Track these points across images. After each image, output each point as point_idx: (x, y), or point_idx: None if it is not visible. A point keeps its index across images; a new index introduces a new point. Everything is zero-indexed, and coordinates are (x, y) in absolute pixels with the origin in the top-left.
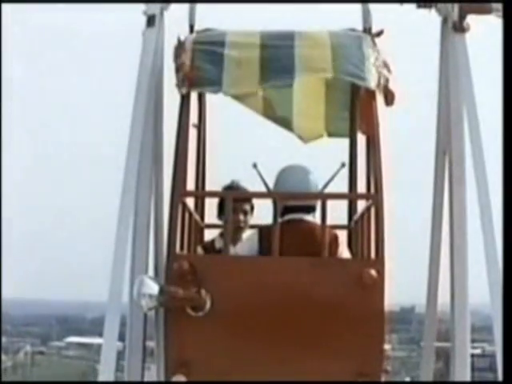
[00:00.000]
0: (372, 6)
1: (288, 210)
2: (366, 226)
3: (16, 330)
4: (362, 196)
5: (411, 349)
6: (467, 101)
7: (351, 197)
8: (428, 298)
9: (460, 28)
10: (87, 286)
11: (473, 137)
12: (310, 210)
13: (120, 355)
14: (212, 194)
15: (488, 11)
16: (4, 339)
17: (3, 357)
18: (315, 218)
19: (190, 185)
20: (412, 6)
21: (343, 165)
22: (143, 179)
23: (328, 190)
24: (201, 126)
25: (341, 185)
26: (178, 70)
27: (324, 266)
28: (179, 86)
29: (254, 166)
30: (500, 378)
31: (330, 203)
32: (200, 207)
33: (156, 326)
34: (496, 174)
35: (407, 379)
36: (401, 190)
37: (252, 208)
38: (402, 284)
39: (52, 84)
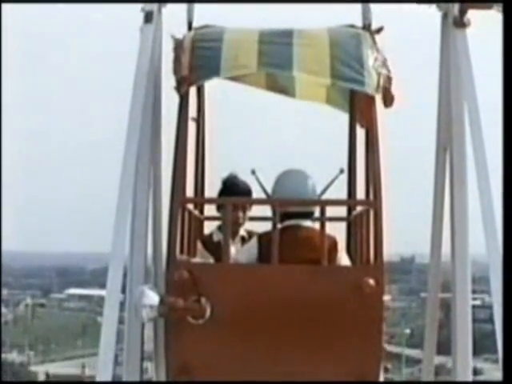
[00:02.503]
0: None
1: (286, 215)
2: (364, 229)
3: (16, 282)
4: (360, 202)
5: (411, 299)
6: (468, 97)
7: (350, 203)
8: (432, 249)
9: (461, 23)
10: (87, 237)
11: (474, 133)
12: (309, 215)
13: (121, 306)
14: (212, 201)
15: (489, 6)
16: (4, 292)
17: (4, 310)
18: (314, 222)
19: (190, 181)
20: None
21: (342, 171)
22: (141, 178)
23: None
24: (200, 121)
25: (340, 186)
26: (176, 71)
27: (323, 274)
28: (178, 86)
29: (253, 172)
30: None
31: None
32: (200, 189)
33: (155, 333)
34: (497, 170)
35: (407, 330)
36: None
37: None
38: (402, 234)
39: (49, 81)
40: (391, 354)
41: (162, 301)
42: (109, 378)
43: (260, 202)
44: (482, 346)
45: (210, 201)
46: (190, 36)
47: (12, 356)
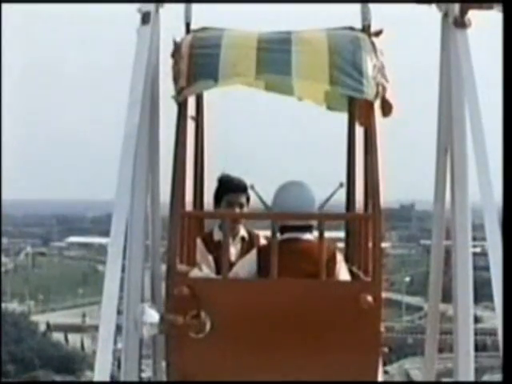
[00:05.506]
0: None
1: (286, 228)
2: (363, 239)
3: (17, 230)
4: (359, 217)
5: (411, 246)
6: (469, 97)
7: (348, 217)
8: (435, 196)
9: (461, 23)
10: (87, 185)
11: (475, 134)
12: (308, 228)
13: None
14: (212, 215)
15: (489, 6)
16: (5, 240)
17: (4, 259)
18: (313, 234)
19: (189, 179)
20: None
21: (341, 185)
22: (138, 184)
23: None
24: (199, 126)
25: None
26: (175, 80)
27: (321, 289)
28: (176, 95)
29: (252, 187)
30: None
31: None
32: (199, 194)
33: (154, 347)
34: (498, 171)
35: (407, 278)
36: None
37: (248, 199)
38: (402, 181)
39: (46, 85)
40: (391, 301)
41: (162, 318)
42: (112, 328)
43: (259, 215)
44: (481, 293)
45: (211, 215)
46: (188, 40)
47: (12, 306)
